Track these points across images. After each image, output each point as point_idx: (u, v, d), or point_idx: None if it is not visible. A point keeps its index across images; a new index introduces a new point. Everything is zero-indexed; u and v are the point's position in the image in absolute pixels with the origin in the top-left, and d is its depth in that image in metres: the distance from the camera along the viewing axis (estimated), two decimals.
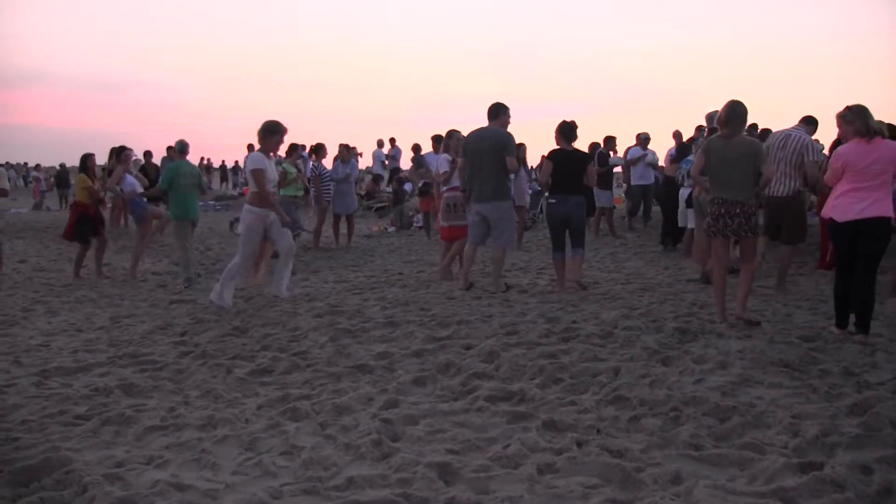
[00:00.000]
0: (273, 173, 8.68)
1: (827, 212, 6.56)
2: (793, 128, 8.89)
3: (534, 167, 22.17)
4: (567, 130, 8.91)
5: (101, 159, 12.94)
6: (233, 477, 3.81)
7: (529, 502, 3.47)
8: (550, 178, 8.84)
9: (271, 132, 8.49)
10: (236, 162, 32.08)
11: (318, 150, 14.82)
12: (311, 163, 14.82)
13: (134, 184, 12.01)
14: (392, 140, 24.75)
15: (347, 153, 15.27)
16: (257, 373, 5.72)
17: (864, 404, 4.56)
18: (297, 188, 12.77)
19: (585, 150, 10.92)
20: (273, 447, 4.19)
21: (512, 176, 12.58)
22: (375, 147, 24.38)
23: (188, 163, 10.91)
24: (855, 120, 6.33)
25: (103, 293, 9.87)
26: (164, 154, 18.67)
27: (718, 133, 7.06)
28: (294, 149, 13.47)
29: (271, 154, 8.78)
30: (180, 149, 11.12)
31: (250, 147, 26.33)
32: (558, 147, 8.94)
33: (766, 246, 9.39)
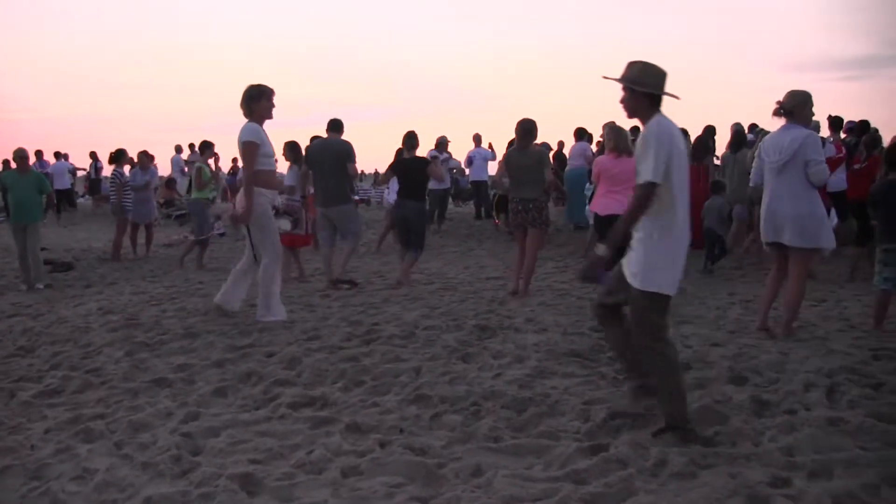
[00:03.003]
0: (271, 148, 7.20)
1: (593, 207, 8.59)
2: None
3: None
4: (409, 140, 9.73)
5: None
6: None
7: None
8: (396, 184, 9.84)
9: (255, 98, 7.08)
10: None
11: (120, 156, 14.08)
12: (112, 170, 14.13)
13: None
14: (192, 146, 23.99)
15: (147, 160, 14.55)
16: (45, 394, 5.36)
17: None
18: (212, 189, 12.19)
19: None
20: (63, 473, 3.96)
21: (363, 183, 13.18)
22: (173, 153, 23.59)
23: None
24: (610, 139, 8.55)
25: None
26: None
27: (514, 146, 8.71)
28: (207, 146, 12.78)
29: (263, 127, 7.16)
30: (26, 157, 10.96)
31: (39, 154, 24.76)
32: (402, 156, 9.87)
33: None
